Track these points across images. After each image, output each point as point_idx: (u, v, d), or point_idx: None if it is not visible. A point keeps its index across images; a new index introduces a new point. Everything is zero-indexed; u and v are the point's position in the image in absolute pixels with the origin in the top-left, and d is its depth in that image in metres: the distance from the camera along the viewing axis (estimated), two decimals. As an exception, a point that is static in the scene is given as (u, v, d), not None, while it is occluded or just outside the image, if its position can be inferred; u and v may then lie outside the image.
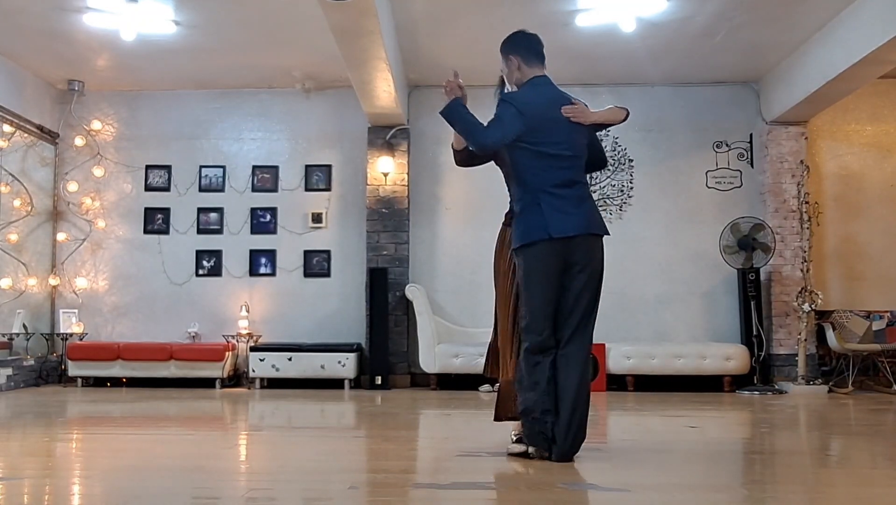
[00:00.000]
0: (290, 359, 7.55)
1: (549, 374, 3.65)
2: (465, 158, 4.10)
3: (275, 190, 8.26)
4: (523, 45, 3.91)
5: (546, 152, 3.71)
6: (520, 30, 4.00)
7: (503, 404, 3.93)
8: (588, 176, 4.01)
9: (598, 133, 4.05)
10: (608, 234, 3.82)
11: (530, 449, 3.73)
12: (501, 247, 4.00)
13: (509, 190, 3.95)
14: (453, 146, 4.11)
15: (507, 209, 3.97)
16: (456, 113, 3.75)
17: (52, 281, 8.10)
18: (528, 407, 3.66)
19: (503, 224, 4.02)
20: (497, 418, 3.98)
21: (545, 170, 3.71)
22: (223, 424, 5.58)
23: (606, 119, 3.89)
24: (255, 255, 8.20)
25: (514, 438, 3.88)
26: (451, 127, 3.85)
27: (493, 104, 3.90)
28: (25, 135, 7.85)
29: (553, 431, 3.63)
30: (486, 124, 3.73)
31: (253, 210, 8.24)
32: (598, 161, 4.03)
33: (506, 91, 3.98)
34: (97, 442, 4.62)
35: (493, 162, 4.12)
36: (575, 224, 3.67)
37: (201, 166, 8.31)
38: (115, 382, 7.79)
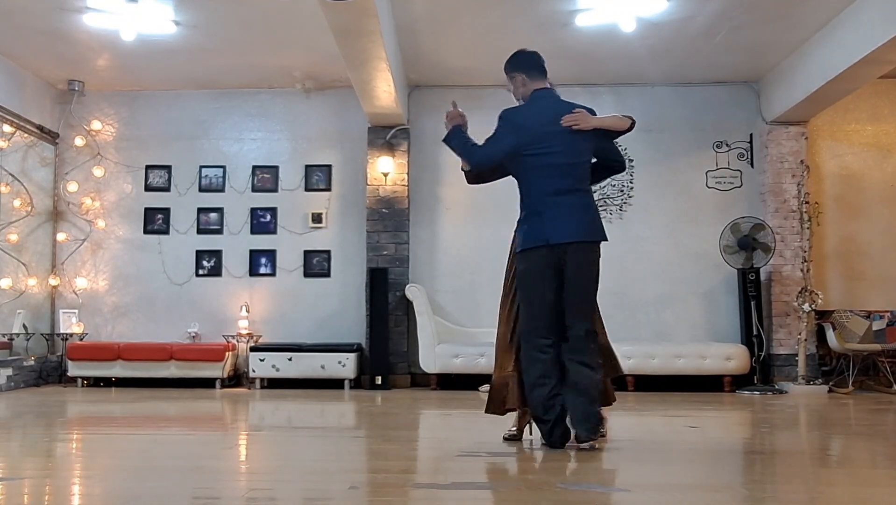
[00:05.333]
0: (290, 359, 7.55)
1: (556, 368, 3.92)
2: (475, 177, 4.38)
3: (275, 190, 8.26)
4: (525, 62, 4.14)
5: (545, 162, 3.92)
6: (520, 49, 4.21)
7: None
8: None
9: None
10: (606, 239, 4.01)
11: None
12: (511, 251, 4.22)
13: None
14: (462, 168, 4.34)
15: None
16: (454, 138, 4.10)
17: (52, 281, 8.10)
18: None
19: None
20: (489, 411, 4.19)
21: (545, 178, 3.92)
22: (223, 424, 5.58)
23: (610, 125, 4.03)
24: (255, 255, 8.20)
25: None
26: (452, 151, 4.17)
27: (500, 106, 4.16)
28: (25, 135, 7.85)
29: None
30: (483, 143, 4.03)
31: (253, 210, 8.24)
32: (613, 165, 4.25)
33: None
34: (97, 442, 4.62)
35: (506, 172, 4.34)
36: (573, 231, 3.89)
37: (201, 166, 8.31)
38: (116, 383, 7.78)
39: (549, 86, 4.12)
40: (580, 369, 3.85)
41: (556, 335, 3.91)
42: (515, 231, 4.14)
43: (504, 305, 4.16)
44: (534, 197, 3.95)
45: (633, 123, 4.07)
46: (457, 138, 4.10)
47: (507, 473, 3.54)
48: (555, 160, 3.92)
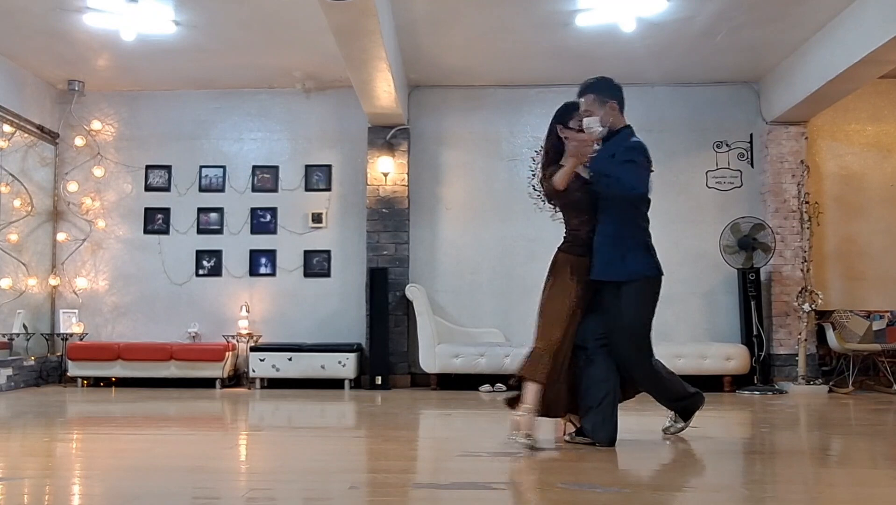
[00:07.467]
0: (290, 359, 7.55)
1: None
2: (558, 197, 4.36)
3: (275, 190, 8.26)
4: (620, 93, 4.27)
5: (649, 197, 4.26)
6: (611, 77, 4.30)
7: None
8: None
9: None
10: None
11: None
12: (567, 269, 4.20)
13: (568, 221, 4.27)
14: (556, 185, 4.20)
15: (566, 235, 4.29)
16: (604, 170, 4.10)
17: (53, 281, 8.10)
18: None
19: (562, 251, 4.26)
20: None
21: (647, 212, 4.25)
22: (223, 424, 5.58)
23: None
24: (255, 255, 8.20)
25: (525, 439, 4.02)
26: (599, 182, 4.12)
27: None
28: (25, 135, 7.85)
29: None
30: (630, 171, 4.14)
31: (253, 210, 8.24)
32: None
33: (589, 129, 4.19)
34: (97, 442, 4.63)
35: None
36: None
37: (201, 166, 8.31)
38: (116, 383, 7.78)
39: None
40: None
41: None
42: (563, 252, 4.26)
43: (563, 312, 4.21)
44: (645, 230, 4.20)
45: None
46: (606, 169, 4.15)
47: (507, 472, 3.54)
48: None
